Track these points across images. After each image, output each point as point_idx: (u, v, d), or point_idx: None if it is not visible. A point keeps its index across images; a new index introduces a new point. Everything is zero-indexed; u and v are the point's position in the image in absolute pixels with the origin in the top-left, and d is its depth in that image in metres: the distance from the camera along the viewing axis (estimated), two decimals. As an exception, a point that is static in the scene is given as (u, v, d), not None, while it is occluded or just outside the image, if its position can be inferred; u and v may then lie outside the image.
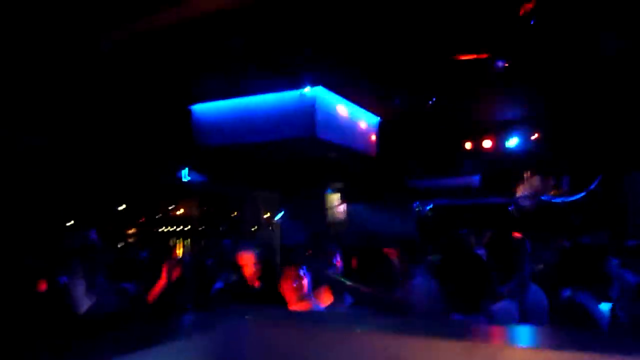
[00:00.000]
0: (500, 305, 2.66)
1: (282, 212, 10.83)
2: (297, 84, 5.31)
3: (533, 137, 7.27)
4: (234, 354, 1.63)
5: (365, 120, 6.78)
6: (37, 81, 4.90)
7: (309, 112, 5.26)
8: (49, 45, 4.19)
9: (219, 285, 4.50)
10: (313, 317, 1.90)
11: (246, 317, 1.70)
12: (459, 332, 1.56)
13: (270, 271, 4.30)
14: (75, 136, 6.49)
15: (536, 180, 10.12)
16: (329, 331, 1.60)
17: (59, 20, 3.98)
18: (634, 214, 8.49)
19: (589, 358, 1.25)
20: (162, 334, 1.62)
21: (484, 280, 2.44)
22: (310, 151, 6.53)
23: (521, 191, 10.45)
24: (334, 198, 12.39)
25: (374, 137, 6.94)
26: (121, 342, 1.52)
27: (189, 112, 5.95)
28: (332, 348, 1.54)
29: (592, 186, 9.07)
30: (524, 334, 1.61)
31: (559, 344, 1.37)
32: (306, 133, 5.28)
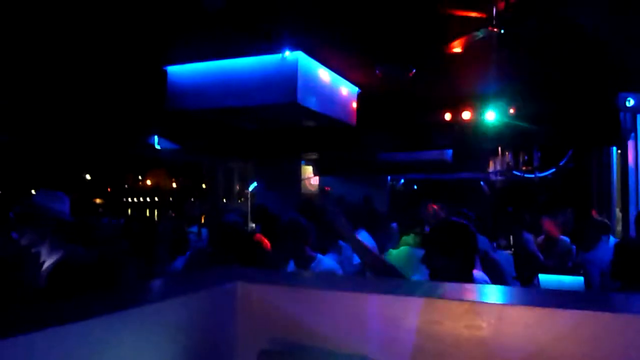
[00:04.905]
0: (478, 274, 2.69)
1: (255, 184, 10.71)
2: (277, 48, 5.14)
3: (510, 112, 7.32)
4: (223, 315, 1.55)
5: (345, 90, 6.67)
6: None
7: (290, 77, 5.11)
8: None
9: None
10: (312, 278, 1.83)
11: (240, 278, 1.62)
12: (462, 293, 1.53)
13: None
14: (37, 97, 6.15)
15: (508, 156, 10.29)
16: (327, 292, 1.53)
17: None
18: (598, 190, 8.74)
19: (592, 316, 1.24)
20: (152, 291, 1.54)
21: (472, 250, 2.43)
22: (289, 118, 6.39)
23: (493, 166, 10.62)
24: (307, 170, 12.33)
25: (353, 108, 6.86)
26: (100, 302, 1.42)
27: (164, 72, 5.70)
28: (329, 309, 1.49)
29: (562, 162, 9.27)
30: (530, 294, 1.59)
31: (566, 304, 1.35)
32: (287, 98, 5.13)
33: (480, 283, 2.57)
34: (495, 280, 3.01)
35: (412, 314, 1.39)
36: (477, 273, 2.68)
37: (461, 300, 1.40)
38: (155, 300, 1.40)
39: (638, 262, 3.00)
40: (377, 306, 1.46)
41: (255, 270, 1.95)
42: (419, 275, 2.68)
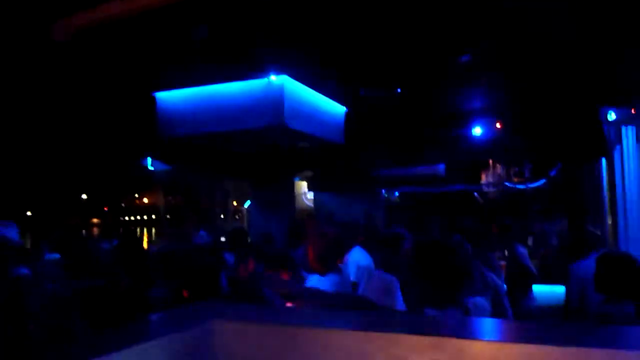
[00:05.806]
0: (476, 300, 2.57)
1: (250, 201, 10.77)
2: (263, 73, 5.24)
3: (497, 126, 7.44)
4: (206, 355, 1.59)
5: (332, 110, 6.77)
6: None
7: (277, 101, 5.19)
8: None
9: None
10: (286, 315, 1.88)
11: (217, 316, 1.66)
12: (426, 327, 1.57)
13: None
14: (34, 126, 6.25)
15: (499, 168, 10.40)
16: (302, 329, 1.58)
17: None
18: (593, 202, 8.80)
19: (556, 351, 1.29)
20: (130, 334, 1.56)
21: (463, 272, 2.27)
22: (278, 140, 6.47)
23: (485, 178, 10.73)
24: (302, 185, 12.41)
25: (341, 127, 6.95)
26: (83, 345, 1.46)
27: (153, 99, 5.79)
28: (303, 346, 1.53)
29: (552, 173, 9.37)
30: (491, 327, 1.64)
31: (526, 338, 1.40)
32: (274, 121, 5.21)
33: (476, 311, 2.46)
34: (492, 307, 2.94)
35: (378, 349, 1.44)
36: (475, 300, 2.54)
37: (425, 334, 1.45)
38: (137, 342, 1.41)
39: (620, 274, 2.98)
40: (349, 343, 1.50)
41: (232, 306, 1.98)
42: (392, 301, 2.66)
